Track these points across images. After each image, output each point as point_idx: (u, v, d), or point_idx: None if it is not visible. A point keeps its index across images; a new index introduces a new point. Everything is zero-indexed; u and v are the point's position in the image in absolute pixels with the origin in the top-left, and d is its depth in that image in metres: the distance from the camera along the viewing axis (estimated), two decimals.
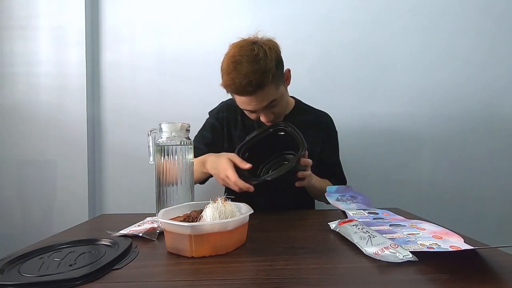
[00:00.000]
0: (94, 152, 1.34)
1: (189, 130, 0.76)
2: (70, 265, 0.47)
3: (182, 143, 0.73)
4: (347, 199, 0.86)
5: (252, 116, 0.92)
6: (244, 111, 0.93)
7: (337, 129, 1.08)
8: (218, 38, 1.32)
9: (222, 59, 0.81)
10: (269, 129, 0.89)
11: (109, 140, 1.35)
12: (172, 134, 0.73)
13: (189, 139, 0.76)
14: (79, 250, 0.53)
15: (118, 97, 1.34)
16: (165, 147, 0.72)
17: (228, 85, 0.83)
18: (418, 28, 1.33)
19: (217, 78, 1.31)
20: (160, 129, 0.74)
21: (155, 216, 0.72)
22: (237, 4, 1.33)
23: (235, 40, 0.87)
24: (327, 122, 1.05)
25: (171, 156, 0.72)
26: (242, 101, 0.86)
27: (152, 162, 0.77)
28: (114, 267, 0.47)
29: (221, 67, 0.86)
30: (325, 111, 1.08)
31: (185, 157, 0.73)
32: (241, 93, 0.82)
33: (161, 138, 0.73)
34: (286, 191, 0.94)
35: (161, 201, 0.72)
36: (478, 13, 1.33)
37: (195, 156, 1.01)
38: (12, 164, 1.29)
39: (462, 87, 1.34)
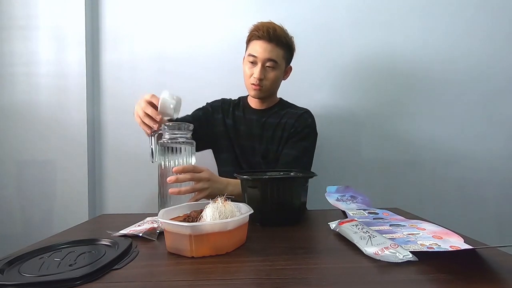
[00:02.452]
0: (94, 152, 1.34)
1: (191, 130, 0.76)
2: (70, 265, 0.47)
3: (184, 143, 0.73)
4: (347, 199, 0.86)
5: (250, 71, 0.99)
6: (248, 62, 1.00)
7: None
8: (218, 38, 1.32)
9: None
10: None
11: (109, 140, 1.34)
12: (174, 134, 0.73)
13: (191, 139, 0.76)
14: (79, 250, 0.53)
15: (118, 97, 1.33)
16: (167, 147, 0.72)
17: (255, 29, 0.97)
18: (417, 27, 1.33)
19: (217, 78, 1.32)
20: (163, 129, 0.74)
21: (156, 216, 0.72)
22: (237, 4, 1.32)
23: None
24: (305, 116, 1.06)
25: (173, 156, 0.72)
26: (254, 46, 0.98)
27: (152, 162, 0.77)
28: (114, 267, 0.47)
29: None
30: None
31: (187, 157, 0.74)
32: (261, 36, 0.96)
33: (163, 138, 0.74)
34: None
35: (163, 201, 0.72)
36: (478, 12, 1.33)
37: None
38: (12, 164, 1.29)
39: (462, 87, 1.34)
